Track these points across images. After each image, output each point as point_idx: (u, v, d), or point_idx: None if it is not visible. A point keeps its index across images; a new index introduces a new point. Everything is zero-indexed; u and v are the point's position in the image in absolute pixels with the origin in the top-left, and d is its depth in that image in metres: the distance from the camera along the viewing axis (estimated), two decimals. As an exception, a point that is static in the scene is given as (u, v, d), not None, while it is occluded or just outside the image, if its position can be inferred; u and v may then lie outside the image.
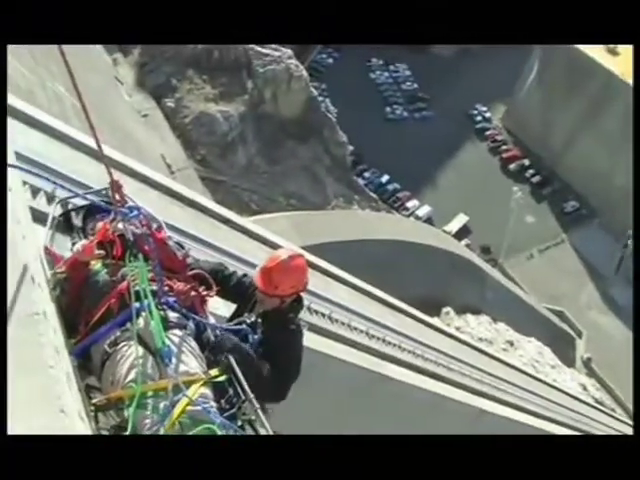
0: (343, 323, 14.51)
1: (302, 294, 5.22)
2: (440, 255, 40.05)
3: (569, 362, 54.27)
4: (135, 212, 4.48)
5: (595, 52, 63.92)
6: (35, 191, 7.37)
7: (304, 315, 5.63)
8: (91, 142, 10.01)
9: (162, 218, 4.78)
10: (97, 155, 9.56)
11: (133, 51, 43.06)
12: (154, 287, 4.39)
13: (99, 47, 36.81)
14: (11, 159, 4.37)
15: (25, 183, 6.52)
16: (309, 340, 6.29)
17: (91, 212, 5.07)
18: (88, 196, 5.09)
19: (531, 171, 72.95)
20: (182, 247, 5.07)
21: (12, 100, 9.31)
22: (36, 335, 3.31)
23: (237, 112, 43.61)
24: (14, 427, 2.88)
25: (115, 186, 4.40)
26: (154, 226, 4.66)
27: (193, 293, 4.67)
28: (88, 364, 4.30)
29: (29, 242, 3.85)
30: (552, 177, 72.29)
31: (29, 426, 2.93)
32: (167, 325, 4.29)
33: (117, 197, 4.46)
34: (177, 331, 4.35)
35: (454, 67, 75.97)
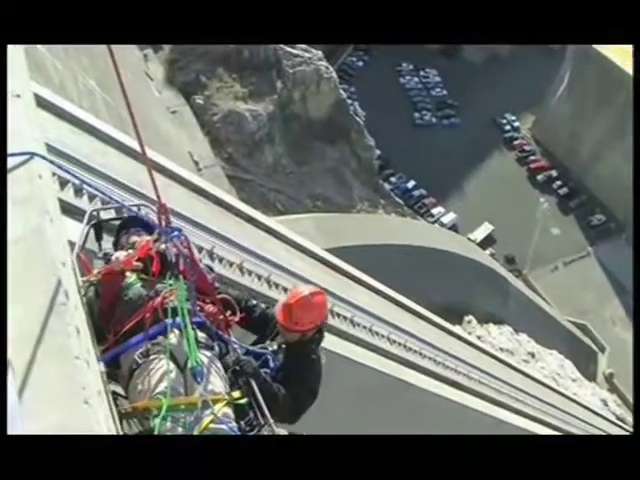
0: (365, 327, 14.48)
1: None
2: (464, 263, 39.83)
3: (590, 376, 53.71)
4: (177, 233, 4.58)
5: (626, 63, 62.86)
6: (63, 182, 7.43)
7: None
8: (121, 137, 10.08)
9: (188, 214, 4.81)
10: (126, 149, 9.63)
11: (164, 47, 43.24)
12: (188, 306, 4.52)
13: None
14: (42, 150, 4.39)
15: (54, 174, 6.56)
16: (329, 343, 6.26)
17: (125, 224, 5.22)
18: (130, 209, 5.28)
19: (559, 182, 72.27)
20: (212, 270, 5.22)
21: (44, 92, 9.39)
22: (64, 323, 3.31)
23: (265, 111, 43.68)
24: (37, 416, 2.88)
25: (162, 209, 4.50)
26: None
27: (220, 316, 4.81)
28: (115, 372, 4.45)
29: (57, 228, 3.86)
30: (580, 189, 71.57)
31: (52, 417, 2.93)
32: (198, 344, 4.42)
33: (163, 218, 4.56)
34: (206, 352, 4.50)
35: (484, 75, 75.48)
